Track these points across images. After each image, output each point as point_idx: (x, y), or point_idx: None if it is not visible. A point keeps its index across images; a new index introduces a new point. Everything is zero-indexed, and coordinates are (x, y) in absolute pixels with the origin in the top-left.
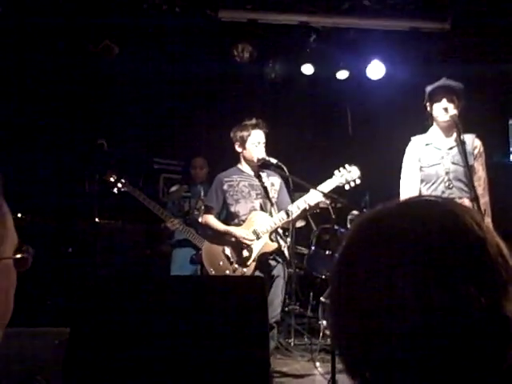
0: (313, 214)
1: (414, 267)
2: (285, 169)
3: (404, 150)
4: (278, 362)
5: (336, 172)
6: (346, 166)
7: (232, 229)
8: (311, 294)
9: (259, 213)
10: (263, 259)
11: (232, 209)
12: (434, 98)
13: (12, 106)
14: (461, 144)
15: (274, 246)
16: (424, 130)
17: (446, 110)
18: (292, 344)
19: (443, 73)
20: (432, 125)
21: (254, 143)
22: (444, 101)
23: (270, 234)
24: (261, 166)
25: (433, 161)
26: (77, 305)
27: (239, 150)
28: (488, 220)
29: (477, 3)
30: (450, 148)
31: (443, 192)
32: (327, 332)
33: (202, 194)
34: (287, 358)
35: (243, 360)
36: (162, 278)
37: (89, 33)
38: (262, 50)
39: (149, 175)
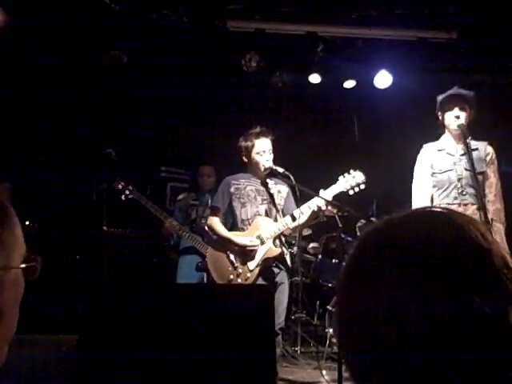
0: (320, 222)
1: (419, 278)
2: (291, 177)
3: (411, 159)
4: (285, 370)
5: (340, 177)
6: (351, 171)
7: (234, 238)
8: (318, 302)
9: (264, 218)
10: (267, 265)
11: (237, 212)
12: (446, 106)
13: (21, 115)
14: (468, 152)
15: (278, 251)
16: (432, 138)
17: (457, 118)
18: (299, 352)
19: (450, 82)
20: (444, 133)
21: (259, 152)
22: (456, 109)
23: (274, 239)
24: (268, 175)
25: (445, 166)
26: (84, 312)
27: (245, 160)
28: (499, 226)
29: (484, 12)
30: (463, 154)
31: (456, 198)
32: (334, 340)
33: (210, 202)
34: (294, 365)
35: (250, 367)
36: (170, 285)
37: (97, 42)
38: (270, 59)
39: (156, 184)
